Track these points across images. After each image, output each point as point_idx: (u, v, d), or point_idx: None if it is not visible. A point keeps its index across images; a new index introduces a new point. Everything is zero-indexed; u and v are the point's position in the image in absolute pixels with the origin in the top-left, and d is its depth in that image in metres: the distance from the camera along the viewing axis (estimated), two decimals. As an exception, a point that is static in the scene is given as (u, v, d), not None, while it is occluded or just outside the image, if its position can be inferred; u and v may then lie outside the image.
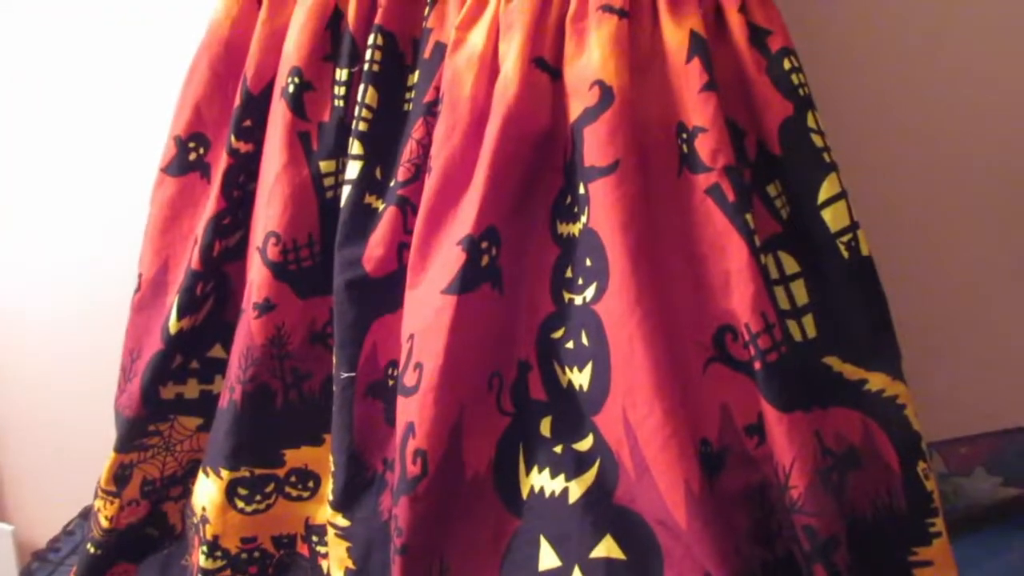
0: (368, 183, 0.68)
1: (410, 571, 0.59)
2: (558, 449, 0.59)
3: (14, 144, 1.02)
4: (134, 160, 0.96)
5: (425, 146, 0.66)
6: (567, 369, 0.59)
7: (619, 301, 0.54)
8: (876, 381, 0.55)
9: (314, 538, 0.77)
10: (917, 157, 0.77)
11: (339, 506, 0.68)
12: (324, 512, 0.76)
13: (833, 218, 0.55)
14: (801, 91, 0.56)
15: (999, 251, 0.80)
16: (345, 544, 0.68)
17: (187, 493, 0.84)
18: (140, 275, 0.81)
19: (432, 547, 0.60)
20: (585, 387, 0.58)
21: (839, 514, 0.51)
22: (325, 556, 0.76)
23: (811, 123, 0.56)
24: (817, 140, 0.56)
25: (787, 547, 0.53)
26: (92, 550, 0.82)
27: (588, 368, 0.57)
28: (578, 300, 0.59)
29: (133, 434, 0.79)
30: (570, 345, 0.59)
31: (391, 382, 0.69)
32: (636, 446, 0.54)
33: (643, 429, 0.53)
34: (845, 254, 0.55)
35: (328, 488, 0.72)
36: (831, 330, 0.55)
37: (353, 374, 0.68)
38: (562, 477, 0.58)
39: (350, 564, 0.68)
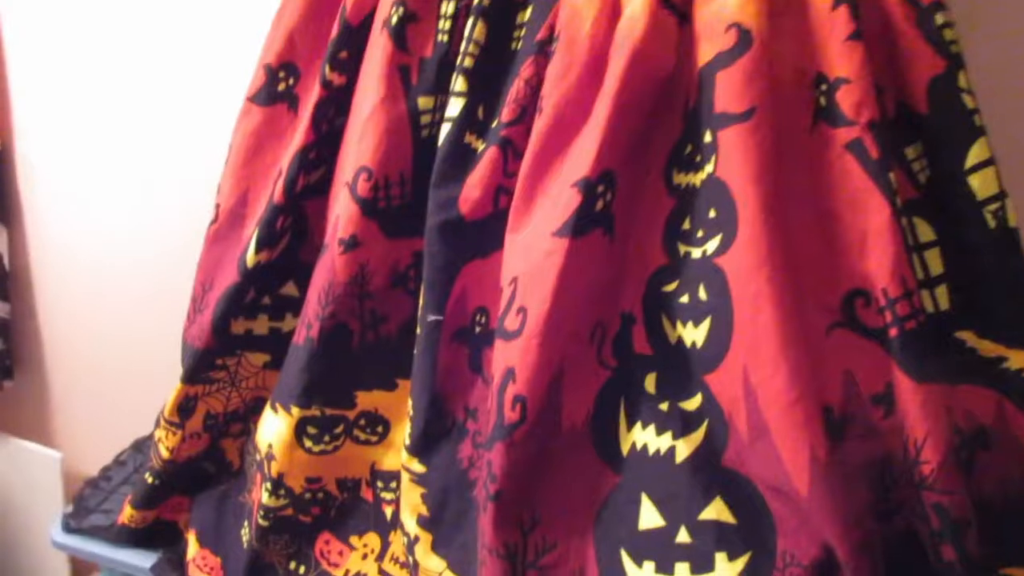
0: (469, 122, 0.64)
1: (502, 519, 0.56)
2: (664, 406, 0.56)
3: (72, 67, 0.99)
4: (204, 89, 0.94)
5: (533, 87, 0.62)
6: (679, 324, 0.56)
7: (747, 255, 0.51)
8: (1017, 359, 0.51)
9: (379, 484, 0.74)
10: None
11: (416, 451, 0.66)
12: (391, 458, 0.73)
13: (981, 185, 0.51)
14: (953, 48, 0.52)
15: None
16: (420, 490, 0.66)
17: (246, 431, 0.82)
18: (218, 205, 0.79)
19: (525, 496, 0.57)
20: (700, 343, 0.54)
21: (970, 494, 0.48)
22: (389, 503, 0.74)
23: (962, 83, 0.52)
24: (968, 101, 0.52)
25: (907, 524, 0.50)
26: (150, 480, 0.80)
27: (705, 324, 0.54)
28: (696, 253, 0.55)
29: (201, 367, 0.76)
30: (685, 299, 0.56)
31: (478, 329, 0.66)
32: (755, 408, 0.51)
33: (765, 390, 0.50)
34: (992, 223, 0.51)
35: (400, 433, 0.70)
36: (967, 303, 0.51)
37: (440, 317, 0.65)
38: (669, 435, 0.55)
39: (424, 511, 0.65)
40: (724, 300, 0.52)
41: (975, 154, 0.51)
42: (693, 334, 0.55)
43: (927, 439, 0.48)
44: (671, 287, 0.57)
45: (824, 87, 0.53)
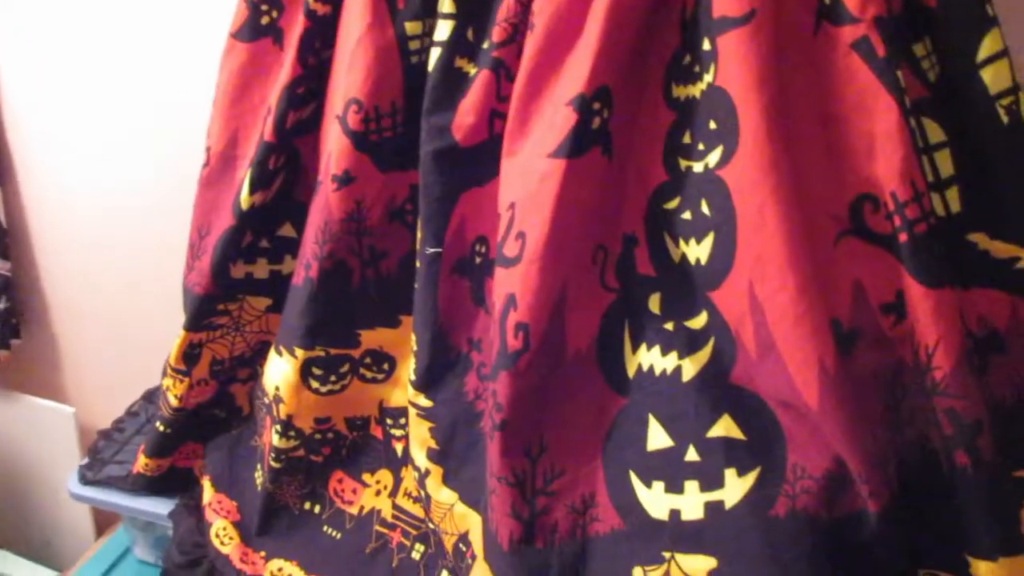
0: (459, 45, 0.61)
1: (509, 448, 0.55)
2: (669, 326, 0.55)
3: (57, 14, 0.96)
4: (191, 27, 0.91)
5: (524, 4, 0.59)
6: (682, 242, 0.54)
7: (750, 165, 0.48)
8: None
9: (388, 421, 0.74)
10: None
11: (422, 386, 0.65)
12: (399, 395, 0.73)
13: (994, 78, 0.48)
14: None
15: None
16: (428, 424, 0.65)
17: (255, 375, 0.82)
18: (208, 148, 0.77)
19: (532, 424, 0.56)
20: (703, 260, 0.53)
21: (983, 398, 0.46)
22: (399, 439, 0.74)
23: None
24: None
25: (919, 433, 0.49)
26: (162, 428, 0.80)
27: (708, 239, 0.52)
28: (698, 167, 0.53)
29: (203, 312, 0.75)
30: (687, 216, 0.54)
31: (479, 259, 0.64)
32: (763, 322, 0.49)
33: (773, 304, 0.48)
34: (1005, 119, 0.48)
35: (407, 369, 0.69)
36: (978, 204, 0.49)
37: (439, 249, 0.64)
38: (674, 355, 0.54)
39: (433, 444, 0.65)
40: (727, 214, 0.50)
41: (987, 46, 0.48)
42: (696, 251, 0.53)
43: (939, 345, 0.46)
44: (672, 204, 0.55)
45: None
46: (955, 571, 0.50)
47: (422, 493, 0.67)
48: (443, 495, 0.65)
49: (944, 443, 0.47)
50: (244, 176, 0.72)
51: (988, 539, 0.47)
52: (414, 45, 0.65)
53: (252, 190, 0.71)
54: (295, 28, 0.69)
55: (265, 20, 0.73)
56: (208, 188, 0.77)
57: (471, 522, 0.63)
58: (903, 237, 0.48)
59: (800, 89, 0.50)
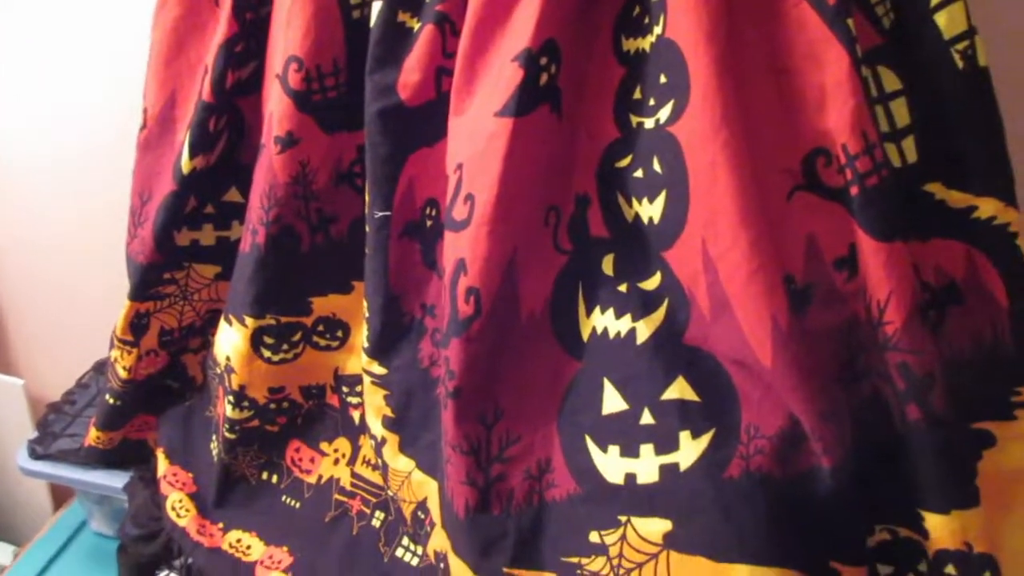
0: None
1: (463, 415, 0.54)
2: (623, 288, 0.54)
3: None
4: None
5: None
6: (635, 201, 0.53)
7: (701, 121, 0.47)
8: (987, 207, 0.47)
9: (344, 388, 0.73)
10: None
11: (375, 353, 0.63)
12: (354, 362, 0.71)
13: (948, 22, 0.46)
14: None
15: None
16: (382, 392, 0.64)
17: (207, 344, 0.80)
18: (145, 110, 0.73)
19: (486, 390, 0.55)
20: (656, 219, 0.51)
21: (936, 352, 0.46)
22: (356, 407, 0.73)
23: None
24: None
25: (873, 389, 0.49)
26: (111, 400, 0.78)
27: (661, 198, 0.51)
28: (649, 123, 0.51)
29: (148, 281, 0.73)
30: (639, 174, 0.52)
31: (429, 222, 0.62)
32: (716, 281, 0.48)
33: (725, 262, 0.47)
34: (960, 63, 0.47)
35: (361, 336, 0.68)
36: (935, 154, 0.48)
37: (388, 213, 0.61)
38: (628, 317, 0.53)
39: (388, 412, 0.64)
40: (679, 171, 0.49)
41: None
42: (649, 210, 0.52)
43: (890, 299, 0.45)
44: (624, 162, 0.53)
45: None
46: (910, 526, 0.50)
47: (379, 461, 0.66)
48: (400, 463, 0.64)
49: (896, 398, 0.47)
50: (184, 139, 0.69)
51: (940, 492, 0.47)
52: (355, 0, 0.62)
53: (192, 154, 0.68)
54: (229, -19, 0.66)
55: (197, -28, 0.69)
56: (147, 152, 0.74)
57: (429, 489, 0.62)
58: (854, 190, 0.46)
59: (751, 41, 0.48)
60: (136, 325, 0.75)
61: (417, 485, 0.63)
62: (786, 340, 0.47)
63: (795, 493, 0.49)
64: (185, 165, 0.68)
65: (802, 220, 0.49)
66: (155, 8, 0.71)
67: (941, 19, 0.46)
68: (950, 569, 0.47)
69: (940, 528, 0.47)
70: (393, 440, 0.65)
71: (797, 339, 0.47)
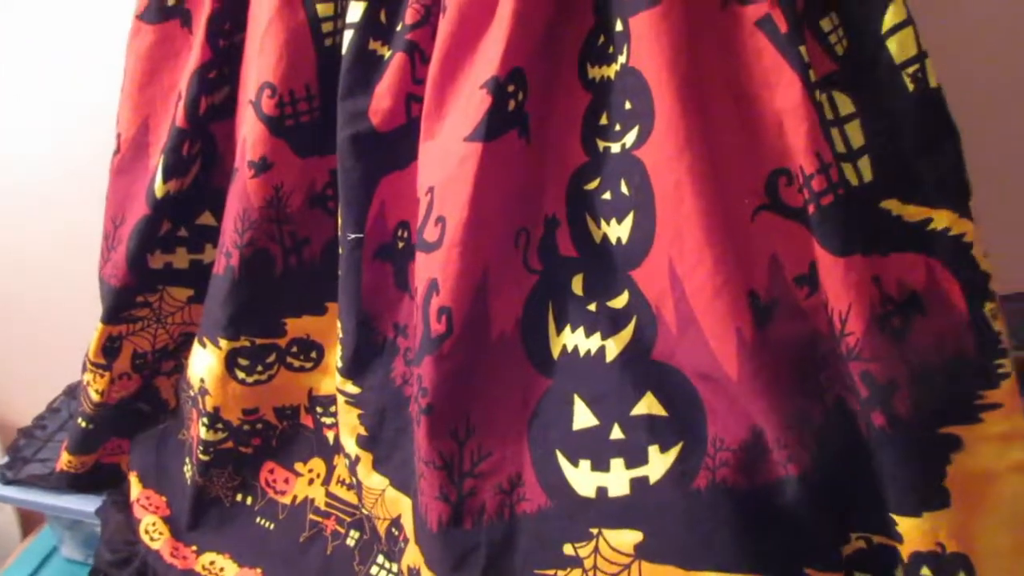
0: (372, 27, 0.59)
1: (435, 431, 0.55)
2: (592, 307, 0.55)
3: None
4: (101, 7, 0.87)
5: None
6: (603, 222, 0.54)
7: (666, 144, 0.49)
8: (941, 219, 0.48)
9: (318, 409, 0.73)
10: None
11: (349, 373, 0.64)
12: (328, 383, 0.72)
13: (899, 48, 0.48)
14: None
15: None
16: (356, 411, 0.64)
17: (179, 368, 0.80)
18: (119, 135, 0.74)
19: (457, 407, 0.56)
20: (624, 239, 0.53)
21: (900, 359, 0.47)
22: (330, 427, 0.73)
23: None
24: None
25: (837, 401, 0.50)
26: (83, 424, 0.77)
27: (628, 219, 0.52)
28: (615, 148, 0.53)
29: (121, 305, 0.73)
30: (607, 196, 0.54)
31: (401, 244, 0.63)
32: (682, 297, 0.50)
33: (692, 280, 0.49)
34: (911, 86, 0.48)
35: (334, 356, 0.68)
36: (890, 172, 0.50)
37: (360, 235, 0.62)
38: (598, 336, 0.54)
39: (362, 431, 0.64)
40: (646, 193, 0.50)
41: (891, 16, 0.48)
42: (617, 230, 0.53)
43: (850, 310, 0.47)
44: (593, 185, 0.55)
45: None
46: (884, 532, 0.51)
47: (354, 480, 0.67)
48: (374, 480, 0.65)
49: (862, 406, 0.48)
50: (158, 163, 0.70)
51: (910, 495, 0.48)
52: (327, 27, 0.63)
53: (166, 178, 0.69)
54: (203, 9, 0.67)
55: (171, 1, 0.70)
56: (120, 176, 0.75)
57: (402, 506, 0.63)
58: (811, 209, 0.48)
59: (711, 68, 0.50)
60: (109, 348, 0.75)
61: (391, 502, 0.64)
62: (750, 353, 0.48)
63: (762, 502, 0.50)
64: (159, 189, 0.69)
65: (765, 239, 0.50)
66: (128, 35, 0.72)
67: (892, 45, 0.48)
68: (925, 571, 0.48)
69: (912, 531, 0.48)
70: (367, 458, 0.65)
71: (761, 351, 0.48)
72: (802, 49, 0.48)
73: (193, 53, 0.67)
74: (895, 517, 0.49)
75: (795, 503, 0.49)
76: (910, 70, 0.48)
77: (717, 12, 0.51)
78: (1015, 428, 0.49)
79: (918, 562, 0.48)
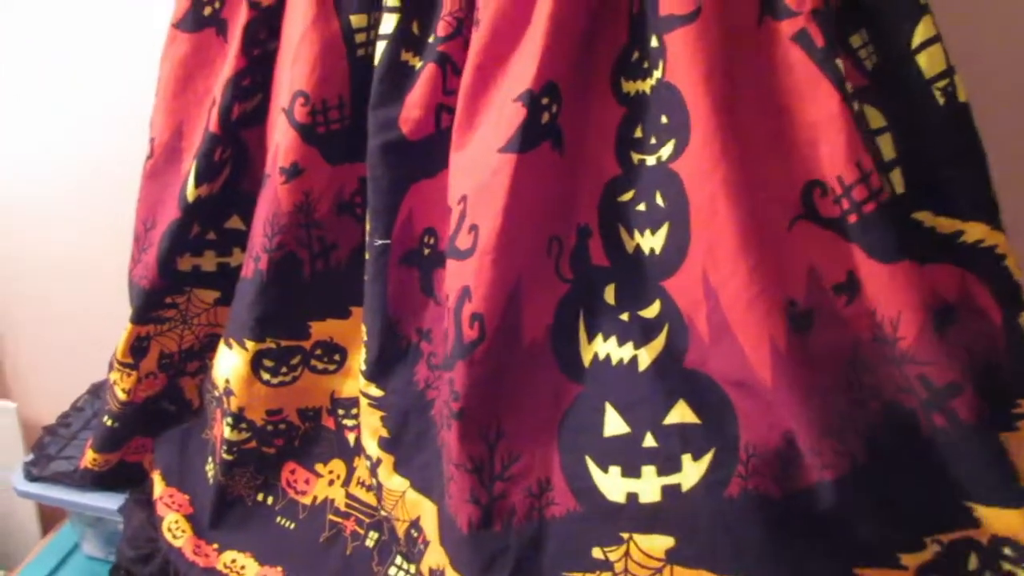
0: (404, 38, 0.60)
1: (467, 435, 0.56)
2: (624, 317, 0.55)
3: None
4: (134, 16, 0.89)
5: None
6: (636, 233, 0.55)
7: (701, 157, 0.49)
8: (974, 232, 0.49)
9: (340, 411, 0.73)
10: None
11: (373, 376, 0.64)
12: (351, 385, 0.72)
13: (929, 63, 0.49)
14: None
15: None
16: (379, 414, 0.65)
17: (204, 368, 0.81)
18: (152, 140, 0.75)
19: (488, 412, 0.56)
20: (658, 250, 0.53)
21: (958, 361, 0.48)
22: (351, 429, 0.74)
23: None
24: None
25: (888, 403, 0.50)
26: (109, 423, 0.78)
27: (663, 230, 0.53)
28: (651, 160, 0.54)
29: (150, 305, 0.73)
30: (641, 207, 0.54)
31: (427, 251, 0.64)
32: (716, 307, 0.50)
33: (726, 289, 0.50)
34: (941, 100, 0.49)
35: (358, 360, 0.69)
36: (921, 184, 0.50)
37: (388, 241, 0.63)
38: (630, 345, 0.54)
39: (384, 433, 0.64)
40: (681, 205, 0.51)
41: (921, 32, 0.49)
42: (651, 241, 0.54)
43: (900, 316, 0.47)
44: (627, 196, 0.56)
45: None
46: (958, 525, 0.51)
47: (374, 482, 0.67)
48: (394, 482, 0.65)
49: (922, 407, 0.49)
50: (189, 168, 0.71)
51: (986, 490, 0.49)
52: (360, 38, 0.64)
53: (198, 182, 0.70)
54: (239, 19, 0.68)
55: (207, 11, 0.71)
56: (153, 180, 0.76)
57: (422, 508, 0.63)
58: (853, 218, 0.49)
59: (746, 82, 0.51)
60: (136, 348, 0.76)
61: (411, 504, 0.64)
62: (785, 360, 0.49)
63: (795, 508, 0.50)
64: (190, 193, 0.70)
65: (803, 248, 0.51)
66: (164, 43, 0.73)
67: (922, 60, 0.49)
68: (1007, 551, 0.49)
69: (992, 519, 0.49)
70: (388, 460, 0.66)
71: (796, 359, 0.49)
72: (838, 62, 0.48)
73: (228, 61, 0.68)
74: (973, 505, 0.49)
75: (835, 507, 0.50)
76: (940, 84, 0.49)
77: (752, 26, 0.51)
78: None
79: (1000, 543, 0.49)
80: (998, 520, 0.49)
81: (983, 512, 0.49)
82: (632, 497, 0.53)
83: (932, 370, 0.48)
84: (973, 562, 0.51)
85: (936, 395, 0.48)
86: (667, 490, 0.52)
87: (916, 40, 0.49)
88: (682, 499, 0.51)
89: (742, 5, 0.51)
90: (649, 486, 0.52)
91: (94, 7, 0.90)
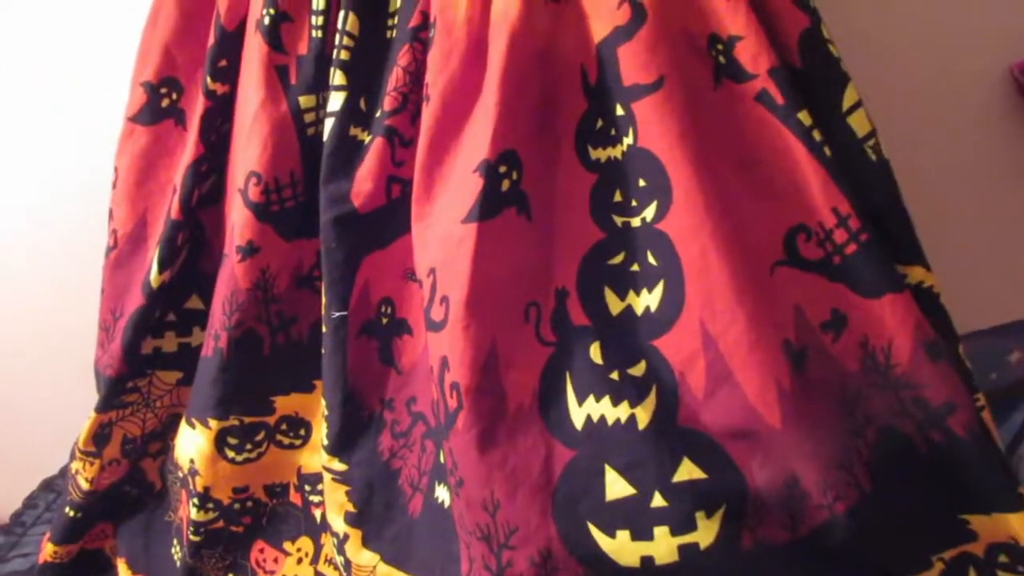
0: (352, 115, 0.61)
1: (470, 504, 0.53)
2: (615, 376, 0.53)
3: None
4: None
5: (412, 73, 0.60)
6: (631, 293, 0.54)
7: (687, 216, 0.50)
8: (915, 274, 0.52)
9: (307, 487, 0.70)
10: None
11: (335, 450, 0.62)
12: (316, 460, 0.70)
13: (859, 124, 0.52)
14: (811, 2, 0.53)
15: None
16: (344, 488, 0.62)
17: (166, 449, 0.76)
18: (115, 231, 0.72)
19: (483, 481, 0.53)
20: (654, 308, 0.52)
21: (952, 381, 0.49)
22: (318, 505, 0.70)
23: (825, 34, 0.53)
24: (833, 50, 0.53)
25: (882, 428, 0.50)
26: (72, 513, 0.73)
27: (659, 288, 0.52)
28: (635, 223, 0.54)
29: (114, 393, 0.70)
30: (635, 268, 0.54)
31: (385, 320, 0.62)
32: (717, 357, 0.49)
33: (726, 337, 0.49)
34: (872, 157, 0.52)
35: (321, 434, 0.68)
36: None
37: (345, 313, 0.62)
38: (626, 404, 0.52)
39: (350, 507, 0.61)
40: (673, 262, 0.51)
41: (848, 97, 0.52)
42: (647, 299, 0.53)
43: (892, 343, 0.49)
44: (618, 259, 0.55)
45: (720, 47, 0.53)
46: (959, 540, 0.51)
47: (340, 559, 0.64)
48: (364, 557, 0.62)
49: (919, 430, 0.49)
50: (153, 255, 0.70)
51: (984, 498, 0.49)
52: (309, 118, 0.64)
53: (161, 269, 0.68)
54: (196, 109, 0.68)
55: (165, 103, 0.71)
56: (118, 270, 0.74)
57: (393, 581, 0.61)
58: (837, 260, 0.50)
59: (718, 140, 0.52)
60: (99, 436, 0.73)
61: (381, 578, 0.62)
62: (791, 400, 0.48)
63: (809, 549, 0.49)
64: (155, 280, 0.68)
65: (787, 291, 0.51)
66: (120, 137, 0.72)
67: (853, 122, 0.53)
68: (1003, 558, 0.49)
69: (989, 527, 0.49)
70: (356, 535, 0.63)
71: (801, 397, 0.49)
72: (801, 116, 0.50)
73: (187, 149, 0.68)
74: (968, 517, 0.49)
75: (850, 538, 0.48)
76: (870, 143, 0.52)
77: (711, 92, 0.53)
78: None
79: (996, 551, 0.50)
80: (996, 527, 0.49)
81: (978, 524, 0.49)
82: (647, 560, 0.50)
83: (928, 392, 0.48)
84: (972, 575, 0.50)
85: (932, 415, 0.48)
86: (683, 549, 0.49)
87: (846, 104, 0.53)
88: (701, 556, 0.49)
89: (698, 71, 0.53)
90: (664, 547, 0.49)
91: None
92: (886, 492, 0.49)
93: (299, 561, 0.70)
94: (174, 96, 0.71)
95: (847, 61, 0.53)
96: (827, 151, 0.51)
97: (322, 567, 0.69)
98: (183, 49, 0.70)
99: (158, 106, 0.72)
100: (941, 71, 0.78)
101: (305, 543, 0.71)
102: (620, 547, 0.51)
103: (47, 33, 0.91)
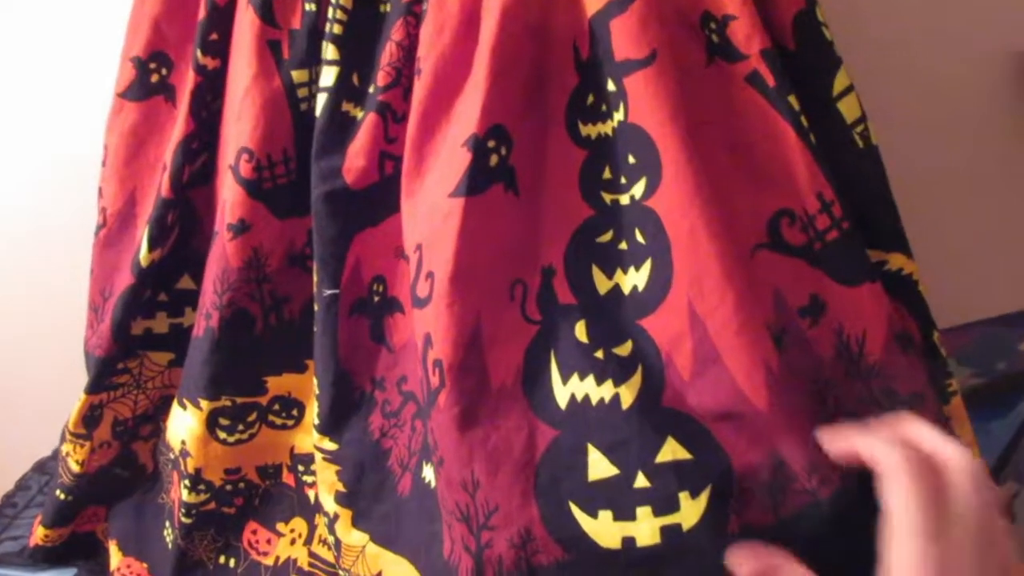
0: (345, 90, 0.58)
1: (449, 483, 0.50)
2: (599, 354, 0.51)
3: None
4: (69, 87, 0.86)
5: (405, 48, 0.57)
6: (619, 271, 0.52)
7: (676, 193, 0.47)
8: (895, 261, 0.51)
9: (300, 467, 0.67)
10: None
11: (326, 429, 0.59)
12: (310, 440, 0.67)
13: (848, 110, 0.50)
14: None
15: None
16: (334, 468, 0.59)
17: (157, 431, 0.74)
18: (104, 209, 0.70)
19: (463, 460, 0.51)
20: (641, 286, 0.50)
21: (921, 373, 0.48)
22: (311, 486, 0.68)
23: (820, 16, 0.51)
24: (827, 33, 0.51)
25: (850, 419, 0.46)
26: (63, 496, 0.70)
27: (646, 266, 0.50)
28: (624, 200, 0.51)
29: (104, 374, 0.67)
30: (623, 246, 0.51)
31: (376, 298, 0.59)
32: (704, 337, 0.47)
33: (714, 318, 0.47)
34: (860, 144, 0.50)
35: (313, 414, 0.65)
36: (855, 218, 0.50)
37: (336, 291, 0.59)
38: (610, 383, 0.49)
39: (341, 487, 0.59)
40: (661, 240, 0.49)
41: (840, 82, 0.51)
42: (635, 278, 0.51)
43: (866, 333, 0.47)
44: (607, 237, 0.52)
45: (714, 25, 0.50)
46: None
47: (330, 539, 0.62)
48: (353, 537, 0.60)
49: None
50: (143, 234, 0.67)
51: None
52: (302, 93, 0.61)
53: (151, 247, 0.65)
54: (186, 84, 0.65)
55: (155, 78, 0.68)
56: (107, 249, 0.71)
57: (384, 562, 0.57)
58: (818, 246, 0.49)
59: (706, 119, 0.50)
60: (89, 418, 0.70)
61: (372, 558, 0.59)
62: (778, 382, 0.46)
63: (793, 532, 0.46)
64: (144, 258, 0.65)
65: (767, 275, 0.49)
66: (110, 113, 0.70)
67: (842, 107, 0.51)
68: None
69: None
70: (346, 515, 0.60)
71: (786, 380, 0.47)
72: (791, 99, 0.48)
73: (177, 126, 0.65)
74: None
75: (836, 521, 0.46)
76: (858, 129, 0.51)
77: (703, 69, 0.51)
78: (963, 437, 0.52)
79: None
80: None
81: None
82: (628, 541, 0.47)
83: (897, 383, 0.47)
84: None
85: (899, 406, 0.46)
86: (666, 531, 0.46)
87: (836, 88, 0.51)
88: (684, 538, 0.46)
89: (689, 46, 0.51)
90: (646, 528, 0.47)
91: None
92: (860, 479, 0.46)
93: (292, 542, 0.68)
94: (164, 72, 0.68)
95: (842, 48, 0.52)
96: (812, 138, 0.49)
97: (316, 547, 0.67)
98: (173, 23, 0.67)
99: (147, 82, 0.68)
100: (940, 58, 0.77)
101: (299, 524, 0.68)
102: (602, 527, 0.48)
103: (35, 24, 0.87)
